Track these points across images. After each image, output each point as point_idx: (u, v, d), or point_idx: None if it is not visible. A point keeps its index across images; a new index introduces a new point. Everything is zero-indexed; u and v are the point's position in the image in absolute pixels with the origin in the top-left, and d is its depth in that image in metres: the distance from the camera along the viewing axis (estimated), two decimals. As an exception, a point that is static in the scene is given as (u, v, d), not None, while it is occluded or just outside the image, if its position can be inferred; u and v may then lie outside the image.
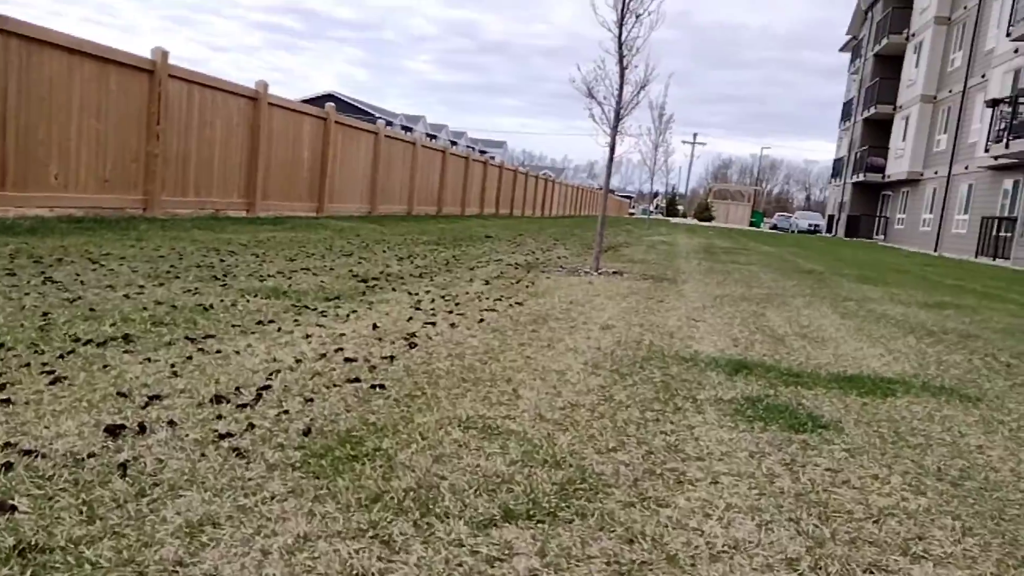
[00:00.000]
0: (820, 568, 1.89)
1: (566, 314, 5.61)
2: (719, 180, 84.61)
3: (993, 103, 23.22)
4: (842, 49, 51.04)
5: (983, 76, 26.53)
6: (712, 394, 3.54)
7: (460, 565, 1.76)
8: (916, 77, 33.56)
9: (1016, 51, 23.24)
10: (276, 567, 1.67)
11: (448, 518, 2.00)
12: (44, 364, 3.06)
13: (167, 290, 5.17)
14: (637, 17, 8.56)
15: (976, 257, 23.97)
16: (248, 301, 5.02)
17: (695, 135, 68.66)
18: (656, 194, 63.85)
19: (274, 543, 1.77)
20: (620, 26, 8.66)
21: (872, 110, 37.67)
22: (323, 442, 2.45)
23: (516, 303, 5.99)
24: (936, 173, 30.66)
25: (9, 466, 2.10)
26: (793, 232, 44.68)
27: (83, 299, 4.55)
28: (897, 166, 34.95)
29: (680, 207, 67.19)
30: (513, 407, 3.06)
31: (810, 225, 49.75)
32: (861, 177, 38.61)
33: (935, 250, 28.39)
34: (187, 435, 2.45)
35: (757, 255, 16.51)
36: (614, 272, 9.44)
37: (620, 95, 9.07)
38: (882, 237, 37.19)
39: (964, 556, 2.01)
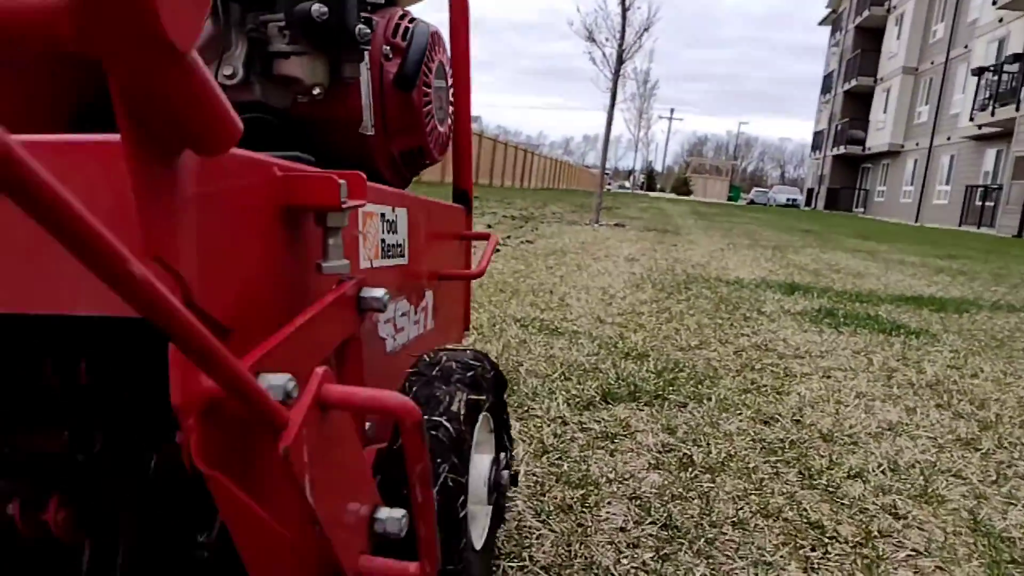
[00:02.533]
0: (1005, 447, 1.54)
1: (583, 249, 5.23)
2: (695, 156, 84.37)
3: (979, 71, 23.16)
4: (822, 22, 50.95)
5: (966, 47, 26.49)
6: (778, 307, 3.19)
7: (573, 440, 1.38)
8: (897, 49, 33.49)
9: (1001, 20, 23.18)
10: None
11: (538, 397, 1.62)
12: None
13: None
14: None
15: (960, 226, 24.05)
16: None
17: (672, 111, 68.15)
18: (632, 171, 63.50)
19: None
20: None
21: (853, 82, 37.61)
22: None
23: (526, 241, 5.59)
24: (917, 145, 30.71)
25: None
26: (771, 206, 44.64)
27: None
28: (878, 138, 34.97)
29: (657, 183, 66.77)
30: (566, 312, 2.68)
31: (788, 199, 49.66)
32: (841, 150, 38.63)
33: (916, 220, 28.49)
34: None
35: (747, 219, 16.27)
36: (615, 224, 9.08)
37: (623, 36, 8.64)
38: (862, 210, 37.32)
39: None
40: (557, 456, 1.31)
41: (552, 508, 1.10)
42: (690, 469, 1.30)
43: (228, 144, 0.44)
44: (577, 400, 1.63)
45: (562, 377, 1.80)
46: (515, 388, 1.67)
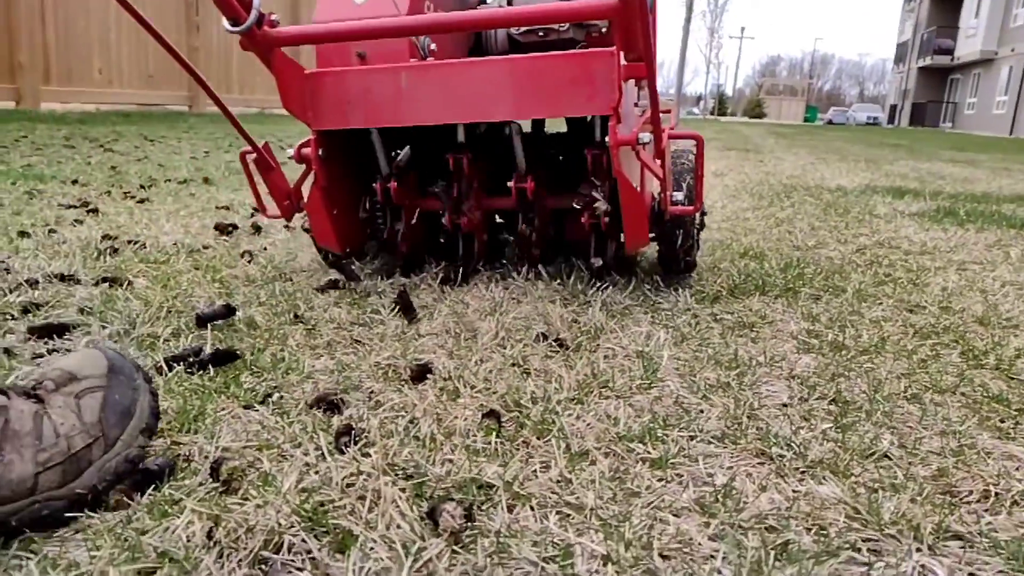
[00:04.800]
0: None
1: (669, 166, 5.05)
2: (768, 77, 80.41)
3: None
4: (905, -76, 47.11)
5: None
6: (891, 209, 3.01)
7: (711, 328, 1.32)
8: (992, -54, 30.78)
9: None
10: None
11: (661, 292, 1.56)
12: (126, 193, 2.67)
13: (234, 155, 4.75)
14: None
15: (1059, 137, 22.34)
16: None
17: (742, 29, 64.67)
18: (700, 96, 61.11)
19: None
20: None
21: (941, -13, 34.91)
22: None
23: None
24: (1013, 51, 28.45)
25: (115, 250, 1.71)
26: (851, 125, 42.21)
27: (149, 159, 4.16)
28: (968, 46, 32.54)
29: (728, 108, 64.08)
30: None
31: (869, 117, 46.86)
32: (927, 61, 36.17)
33: (1010, 133, 26.63)
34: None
35: (829, 137, 15.51)
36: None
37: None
38: (950, 125, 35.09)
39: None
40: (698, 343, 1.25)
41: (708, 386, 1.05)
42: (844, 352, 1.22)
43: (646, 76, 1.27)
44: (703, 294, 1.56)
45: (681, 276, 1.73)
46: (635, 285, 1.61)
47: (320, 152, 1.54)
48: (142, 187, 2.84)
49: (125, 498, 0.69)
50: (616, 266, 1.63)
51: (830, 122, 49.72)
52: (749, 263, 1.89)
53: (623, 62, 1.30)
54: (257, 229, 2.09)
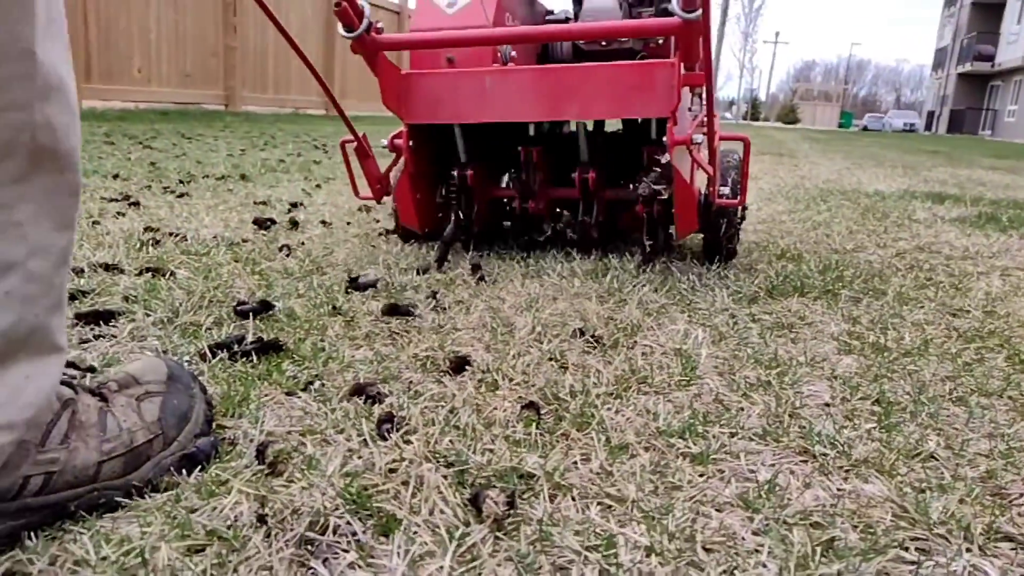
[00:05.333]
0: None
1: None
2: (802, 82, 79.41)
3: None
4: (945, -73, 46.26)
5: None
6: (930, 214, 2.96)
7: (749, 328, 1.31)
8: (1036, -51, 30.09)
9: None
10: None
11: (697, 292, 1.55)
12: (165, 187, 2.71)
13: (270, 153, 4.82)
14: None
15: (1104, 145, 21.75)
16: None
17: (777, 34, 63.88)
18: (732, 101, 60.52)
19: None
20: None
21: (981, -9, 34.22)
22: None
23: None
24: (1056, 57, 27.78)
25: (156, 242, 1.75)
26: (887, 132, 41.39)
27: (187, 156, 4.23)
28: (1010, 52, 31.85)
29: (761, 113, 63.36)
30: (703, 220, 2.56)
31: (906, 124, 45.94)
32: (967, 67, 35.47)
33: (1053, 141, 25.99)
34: (347, 231, 2.07)
35: (865, 143, 15.29)
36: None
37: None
38: (989, 132, 34.35)
39: None
40: (736, 342, 1.24)
41: (748, 385, 1.04)
42: (886, 353, 1.21)
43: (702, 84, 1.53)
44: (740, 294, 1.55)
45: (718, 276, 1.72)
46: (671, 284, 1.61)
47: (410, 143, 1.73)
48: (181, 182, 2.89)
49: (171, 479, 0.71)
50: (664, 251, 1.82)
51: (865, 128, 48.87)
52: (787, 264, 1.87)
53: (681, 71, 1.50)
54: (294, 224, 2.11)
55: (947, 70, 40.05)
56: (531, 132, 1.86)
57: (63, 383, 0.67)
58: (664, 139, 1.59)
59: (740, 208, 1.79)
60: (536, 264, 1.74)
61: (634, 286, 1.55)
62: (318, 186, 3.03)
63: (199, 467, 0.73)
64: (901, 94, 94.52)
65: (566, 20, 2.02)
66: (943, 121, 39.49)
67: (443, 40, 1.56)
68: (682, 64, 1.49)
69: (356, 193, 1.81)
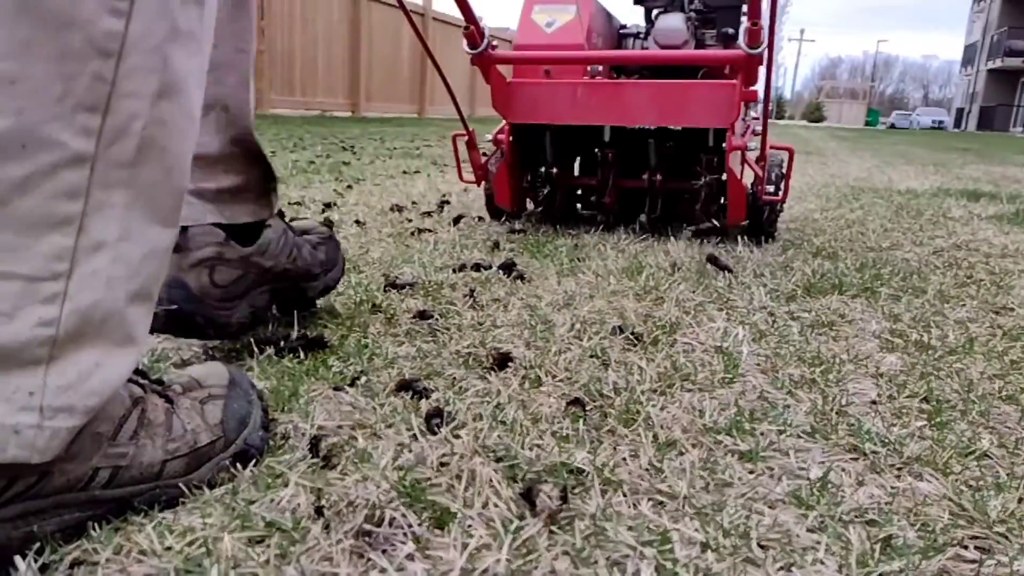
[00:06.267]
0: None
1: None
2: (828, 79, 78.43)
3: None
4: (975, -79, 45.41)
5: None
6: (966, 212, 2.92)
7: (788, 326, 1.30)
8: (1069, -58, 29.44)
9: None
10: (556, 320, 1.25)
11: (734, 290, 1.54)
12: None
13: (300, 155, 4.86)
14: None
15: None
16: (384, 161, 4.66)
17: (802, 31, 63.29)
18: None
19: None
20: None
21: (1013, -14, 33.56)
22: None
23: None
24: (1091, 52, 27.15)
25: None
26: (915, 129, 40.64)
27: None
28: (1042, 48, 31.20)
29: (786, 111, 62.69)
30: (735, 219, 2.54)
31: (934, 121, 45.09)
32: (998, 63, 34.83)
33: (1087, 138, 25.41)
34: (381, 230, 2.08)
35: (892, 140, 15.08)
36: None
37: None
38: (1020, 130, 33.69)
39: None
40: (777, 340, 1.23)
41: (792, 382, 1.03)
42: (930, 351, 1.19)
43: (755, 100, 1.97)
44: (777, 292, 1.54)
45: (754, 274, 1.70)
46: (707, 282, 1.60)
47: (511, 138, 2.09)
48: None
49: (227, 468, 0.72)
50: (714, 233, 2.14)
51: (892, 126, 48.07)
52: (823, 262, 1.85)
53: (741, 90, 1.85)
54: (329, 224, 2.13)
55: (977, 66, 39.36)
56: (606, 137, 2.13)
57: (132, 381, 0.68)
58: (723, 145, 1.98)
59: (780, 202, 2.09)
60: (571, 263, 1.74)
61: (670, 284, 1.55)
62: (349, 187, 3.05)
63: (253, 461, 0.74)
64: (929, 91, 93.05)
65: (637, 34, 2.42)
66: (972, 118, 38.82)
67: (546, 59, 2.05)
68: (742, 86, 1.84)
69: (460, 177, 2.22)
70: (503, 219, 2.29)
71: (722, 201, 2.08)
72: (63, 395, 0.57)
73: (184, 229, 0.96)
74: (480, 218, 2.38)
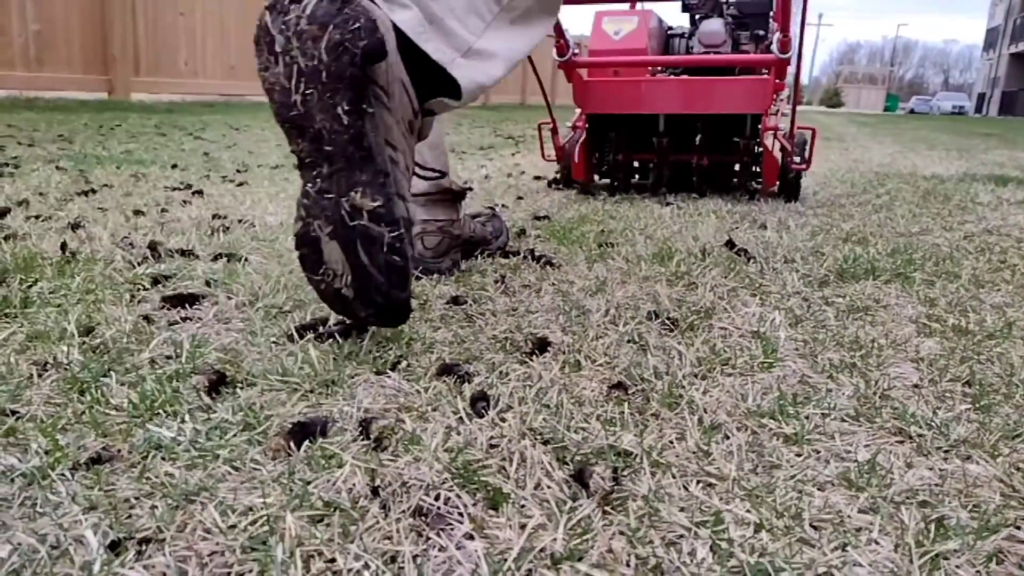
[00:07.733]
0: None
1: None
2: (846, 65, 77.39)
3: None
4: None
5: None
6: (994, 197, 2.88)
7: (823, 311, 1.29)
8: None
9: None
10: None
11: (766, 275, 1.53)
12: (223, 176, 2.77)
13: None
14: None
15: None
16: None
17: (820, 16, 62.52)
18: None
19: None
20: None
21: (1036, -33, 32.94)
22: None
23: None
24: (1116, 34, 26.64)
25: (226, 228, 1.79)
26: (935, 115, 39.97)
27: (238, 146, 4.30)
28: (1066, 30, 30.65)
29: (804, 96, 61.97)
30: (760, 206, 2.53)
31: (955, 107, 44.36)
32: (1020, 47, 34.27)
33: (1112, 122, 24.95)
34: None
35: (913, 126, 14.89)
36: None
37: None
38: (1042, 114, 33.12)
39: None
40: (813, 325, 1.23)
41: (832, 366, 1.03)
42: (969, 336, 1.18)
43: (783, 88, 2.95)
44: (809, 278, 1.53)
45: (784, 260, 1.70)
46: (738, 268, 1.59)
47: (587, 125, 2.65)
48: (238, 171, 2.94)
49: (284, 448, 0.73)
50: (752, 196, 2.66)
51: (912, 111, 47.36)
52: (854, 248, 1.84)
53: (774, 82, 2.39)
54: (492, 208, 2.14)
55: (999, 50, 38.72)
56: (661, 126, 2.57)
57: None
58: (758, 126, 2.51)
59: (805, 169, 2.58)
60: (599, 249, 1.74)
61: (702, 270, 1.54)
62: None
63: (307, 439, 0.75)
64: (949, 76, 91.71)
65: (682, 34, 2.90)
66: (994, 103, 38.23)
67: (615, 63, 2.58)
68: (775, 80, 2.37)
69: (543, 156, 2.85)
70: (577, 189, 2.78)
71: (755, 169, 2.66)
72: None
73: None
74: (504, 205, 2.39)
